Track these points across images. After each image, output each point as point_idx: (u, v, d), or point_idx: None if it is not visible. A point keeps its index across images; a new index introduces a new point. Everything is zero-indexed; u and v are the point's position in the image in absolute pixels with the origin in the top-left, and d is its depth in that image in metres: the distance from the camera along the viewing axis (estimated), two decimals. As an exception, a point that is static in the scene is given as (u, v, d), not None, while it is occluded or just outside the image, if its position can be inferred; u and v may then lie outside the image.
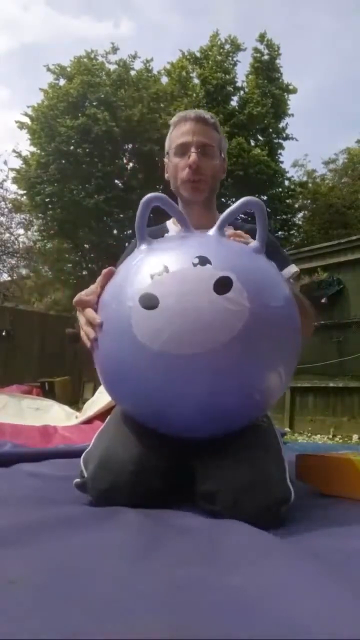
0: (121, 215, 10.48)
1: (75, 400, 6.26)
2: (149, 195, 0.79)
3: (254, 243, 0.81)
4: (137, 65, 10.88)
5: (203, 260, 0.72)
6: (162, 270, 0.73)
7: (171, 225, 1.21)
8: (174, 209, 0.82)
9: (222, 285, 0.70)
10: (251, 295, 0.70)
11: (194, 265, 0.72)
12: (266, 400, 0.80)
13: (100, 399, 3.01)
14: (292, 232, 11.76)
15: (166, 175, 1.22)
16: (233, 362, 0.71)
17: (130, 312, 0.72)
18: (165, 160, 1.22)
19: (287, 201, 11.37)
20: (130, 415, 0.86)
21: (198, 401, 0.73)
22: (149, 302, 0.71)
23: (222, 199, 8.66)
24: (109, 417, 0.96)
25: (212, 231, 0.81)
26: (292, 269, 1.18)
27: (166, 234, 1.14)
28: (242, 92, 11.21)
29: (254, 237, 0.82)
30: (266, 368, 0.76)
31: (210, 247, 0.77)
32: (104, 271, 0.87)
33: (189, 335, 0.69)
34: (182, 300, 0.70)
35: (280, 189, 11.13)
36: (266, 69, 10.97)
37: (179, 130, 1.15)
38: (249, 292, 0.71)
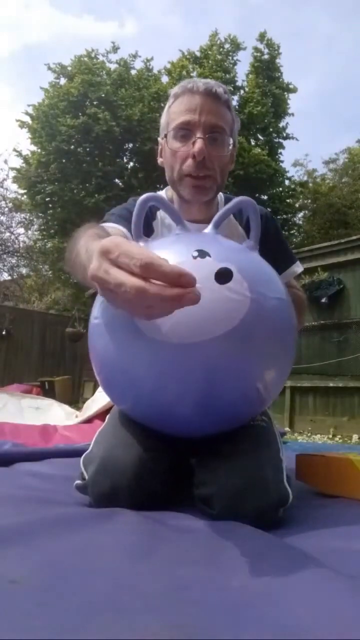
0: (121, 215, 10.47)
1: (75, 400, 6.27)
2: (145, 195, 0.79)
3: (248, 241, 0.82)
4: (138, 64, 10.90)
5: (202, 253, 0.73)
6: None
7: (162, 216, 1.02)
8: (170, 209, 0.82)
9: (223, 276, 0.70)
10: (251, 286, 0.72)
11: (194, 257, 0.73)
12: (265, 395, 0.79)
13: (100, 398, 3.01)
14: (292, 232, 11.75)
15: (159, 160, 1.00)
16: (235, 351, 0.71)
17: None
18: (161, 140, 0.98)
19: (288, 201, 11.36)
20: (130, 416, 0.85)
21: (199, 393, 0.73)
22: None
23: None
24: (108, 417, 0.95)
25: (208, 229, 0.83)
26: (297, 267, 1.11)
27: (154, 221, 1.02)
28: (242, 92, 11.21)
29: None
30: (266, 360, 0.76)
31: (208, 242, 0.78)
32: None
33: (191, 323, 0.68)
34: None
35: (280, 189, 11.13)
36: (266, 69, 10.96)
37: (182, 105, 0.91)
38: (249, 283, 0.72)
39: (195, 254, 0.73)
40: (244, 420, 0.82)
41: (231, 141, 0.95)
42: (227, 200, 1.07)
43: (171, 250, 0.75)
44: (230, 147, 0.95)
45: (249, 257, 0.80)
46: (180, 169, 0.93)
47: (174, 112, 0.93)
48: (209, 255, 0.73)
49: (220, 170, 0.94)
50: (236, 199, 0.81)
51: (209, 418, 0.76)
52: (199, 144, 0.89)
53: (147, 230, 0.86)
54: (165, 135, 0.94)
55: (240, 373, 0.73)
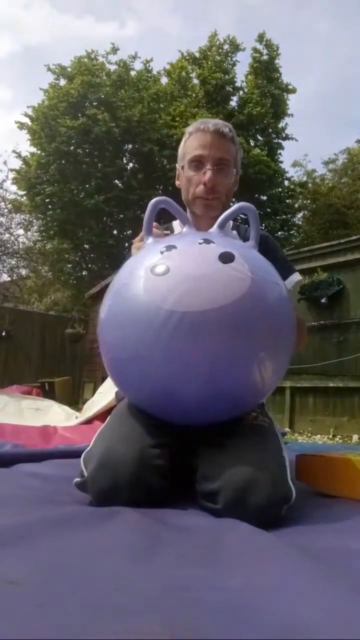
0: (121, 216, 10.50)
1: (75, 401, 6.27)
2: (156, 198, 0.90)
3: (248, 242, 0.90)
4: (137, 65, 10.90)
5: (207, 241, 0.82)
6: (171, 247, 0.81)
7: (177, 226, 1.21)
8: (178, 211, 0.92)
9: (226, 257, 0.78)
10: (252, 269, 0.78)
11: (199, 244, 0.81)
12: (265, 379, 0.81)
13: (100, 399, 3.01)
14: (292, 232, 11.76)
15: (177, 183, 1.20)
16: (239, 321, 0.74)
17: (141, 280, 0.78)
18: (178, 167, 1.19)
19: (287, 201, 11.38)
20: (135, 401, 0.87)
21: (203, 374, 0.75)
22: (160, 269, 0.77)
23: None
24: (109, 417, 0.96)
25: (213, 229, 0.91)
26: (295, 277, 1.18)
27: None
28: (241, 92, 11.22)
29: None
30: (267, 340, 0.78)
31: (212, 235, 0.87)
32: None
33: (198, 294, 0.74)
34: (190, 267, 0.77)
35: (280, 189, 11.14)
36: (265, 69, 10.98)
37: (196, 141, 1.12)
38: (250, 266, 0.78)
39: (201, 241, 0.82)
40: (245, 405, 0.84)
41: (234, 171, 1.16)
42: None
43: (179, 241, 0.84)
44: (234, 175, 1.16)
45: (250, 250, 0.86)
46: (194, 192, 1.13)
47: (189, 146, 1.14)
48: (213, 243, 0.81)
49: (225, 193, 1.14)
50: (238, 204, 0.92)
51: (212, 401, 0.78)
52: (208, 174, 1.09)
53: None
54: (182, 167, 1.16)
55: (242, 350, 0.75)
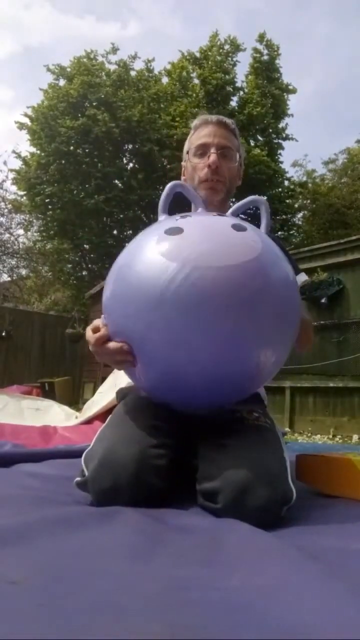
0: (121, 216, 10.50)
1: (75, 401, 6.27)
2: (173, 182, 0.93)
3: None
4: (138, 65, 10.92)
5: (220, 215, 0.87)
6: (186, 216, 0.85)
7: None
8: (193, 195, 0.96)
9: (239, 228, 0.80)
10: (262, 241, 0.81)
11: (214, 216, 0.86)
12: (268, 356, 0.80)
13: (100, 399, 3.01)
14: (292, 232, 11.76)
15: (183, 178, 1.23)
16: (247, 283, 0.75)
17: (154, 238, 0.79)
18: (183, 163, 1.24)
19: (287, 201, 11.37)
20: (140, 386, 0.87)
21: (211, 330, 0.73)
22: (174, 231, 0.79)
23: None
24: (110, 416, 0.96)
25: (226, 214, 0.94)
26: (301, 277, 1.19)
27: None
28: (241, 92, 11.22)
29: None
30: (271, 313, 0.78)
31: (227, 215, 0.91)
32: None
33: (209, 253, 0.75)
34: (204, 230, 0.80)
35: (280, 189, 11.14)
36: (266, 69, 10.97)
37: (200, 133, 1.17)
38: (261, 240, 0.81)
39: (215, 214, 0.87)
40: (246, 387, 0.85)
41: (238, 156, 1.19)
42: None
43: (195, 217, 0.86)
44: (237, 161, 1.19)
45: (261, 232, 0.88)
46: (199, 176, 1.16)
47: (194, 138, 1.19)
48: (227, 217, 0.85)
49: (229, 178, 1.17)
50: (250, 197, 0.95)
51: (214, 382, 0.78)
52: (212, 157, 1.13)
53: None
54: (187, 154, 1.20)
55: (249, 314, 0.75)
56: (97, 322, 0.86)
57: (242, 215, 0.99)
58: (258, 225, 0.91)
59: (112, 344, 0.81)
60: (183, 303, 0.72)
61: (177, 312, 0.73)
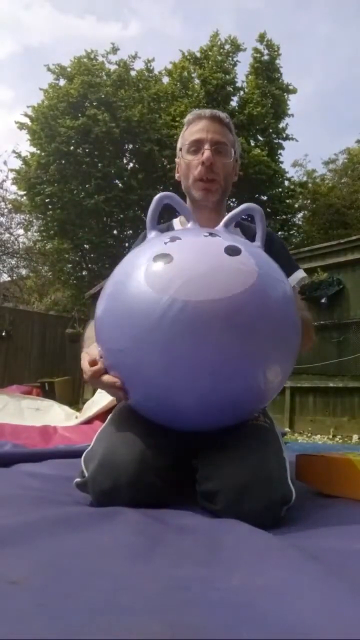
0: (121, 216, 10.49)
1: (75, 401, 6.27)
2: (160, 193, 0.88)
3: (254, 243, 0.87)
4: (138, 65, 10.91)
5: (213, 235, 0.80)
6: (175, 238, 0.79)
7: (177, 224, 1.20)
8: (182, 207, 0.90)
9: (232, 251, 0.75)
10: (258, 264, 0.75)
11: (205, 236, 0.79)
12: (269, 380, 0.78)
13: (100, 399, 3.01)
14: (292, 232, 11.75)
15: (177, 176, 1.19)
16: (243, 315, 0.70)
17: (142, 268, 0.75)
18: (177, 160, 1.19)
19: (287, 201, 11.37)
20: (136, 408, 0.85)
21: (206, 365, 0.71)
22: (163, 258, 0.74)
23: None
24: (109, 417, 0.96)
25: (218, 227, 0.89)
26: (300, 274, 1.17)
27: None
28: (242, 92, 11.21)
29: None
30: (272, 339, 0.75)
31: (218, 231, 0.85)
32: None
33: (202, 284, 0.70)
34: (195, 258, 0.75)
35: (280, 189, 11.13)
36: (266, 69, 10.97)
37: (193, 128, 1.12)
38: (256, 261, 0.76)
39: (207, 234, 0.80)
40: (247, 411, 0.82)
41: (234, 152, 1.13)
42: None
43: (184, 233, 0.81)
44: (233, 157, 1.13)
45: (255, 248, 0.84)
46: (193, 175, 1.11)
47: (187, 134, 1.14)
48: (219, 237, 0.79)
49: (224, 176, 1.12)
50: (244, 205, 0.91)
51: (213, 408, 0.76)
52: (206, 153, 1.08)
53: None
54: (181, 149, 1.15)
55: (246, 346, 0.71)
56: (93, 352, 0.85)
57: (243, 216, 0.97)
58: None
59: (106, 378, 0.80)
60: (175, 339, 0.69)
61: (169, 347, 0.70)
